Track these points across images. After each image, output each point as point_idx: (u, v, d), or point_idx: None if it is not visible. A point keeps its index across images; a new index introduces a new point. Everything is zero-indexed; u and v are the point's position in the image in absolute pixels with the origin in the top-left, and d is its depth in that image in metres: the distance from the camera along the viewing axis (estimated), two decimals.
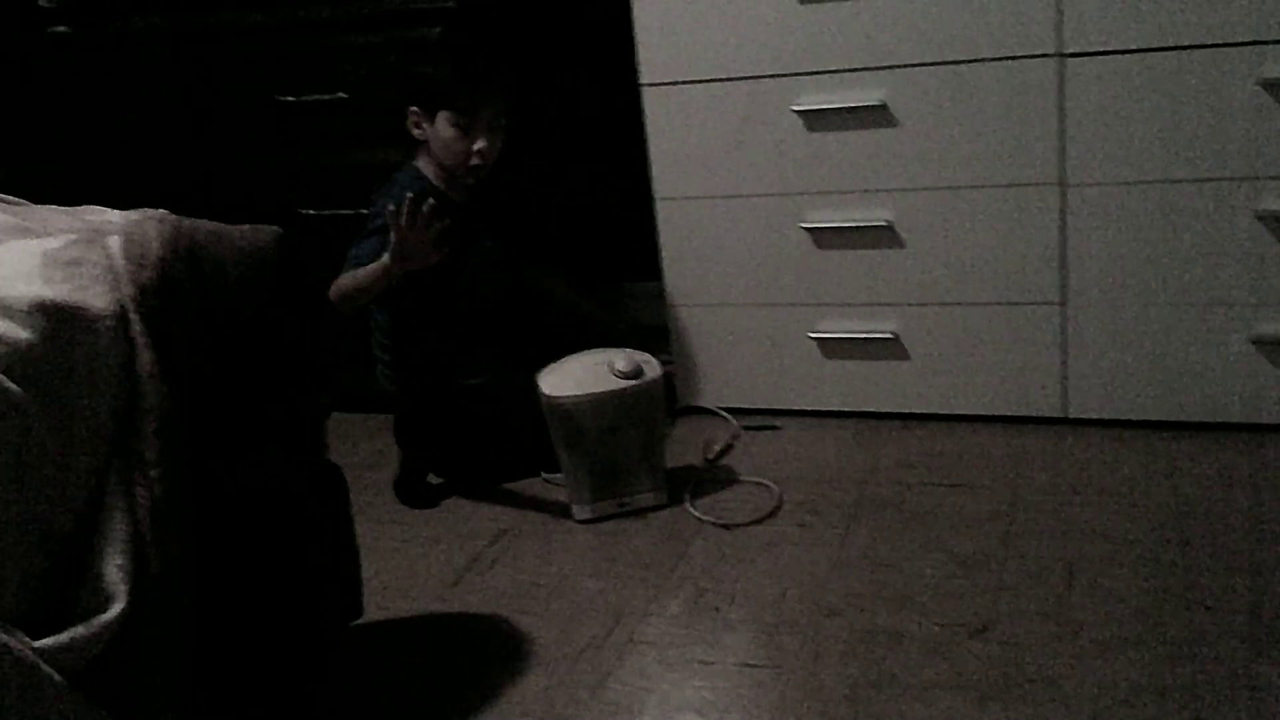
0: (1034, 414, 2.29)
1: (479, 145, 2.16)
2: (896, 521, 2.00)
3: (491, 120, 2.18)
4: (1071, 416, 2.26)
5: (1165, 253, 2.11)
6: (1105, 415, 2.24)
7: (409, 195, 2.00)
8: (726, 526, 2.05)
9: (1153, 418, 2.20)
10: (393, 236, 2.01)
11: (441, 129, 2.17)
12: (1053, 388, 2.25)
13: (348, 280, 2.12)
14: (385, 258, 2.05)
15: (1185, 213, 2.08)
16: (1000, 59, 2.11)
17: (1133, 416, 2.22)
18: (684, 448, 2.35)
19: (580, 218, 2.90)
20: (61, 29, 2.84)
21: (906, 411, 2.38)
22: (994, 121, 2.15)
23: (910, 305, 2.30)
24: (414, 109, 2.20)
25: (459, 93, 2.15)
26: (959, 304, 2.27)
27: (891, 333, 2.32)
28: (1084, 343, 2.21)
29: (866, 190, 2.26)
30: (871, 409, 2.40)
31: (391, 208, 1.99)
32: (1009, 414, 2.30)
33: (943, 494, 2.07)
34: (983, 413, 2.32)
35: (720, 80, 2.30)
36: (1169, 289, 2.13)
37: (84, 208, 1.51)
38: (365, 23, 2.43)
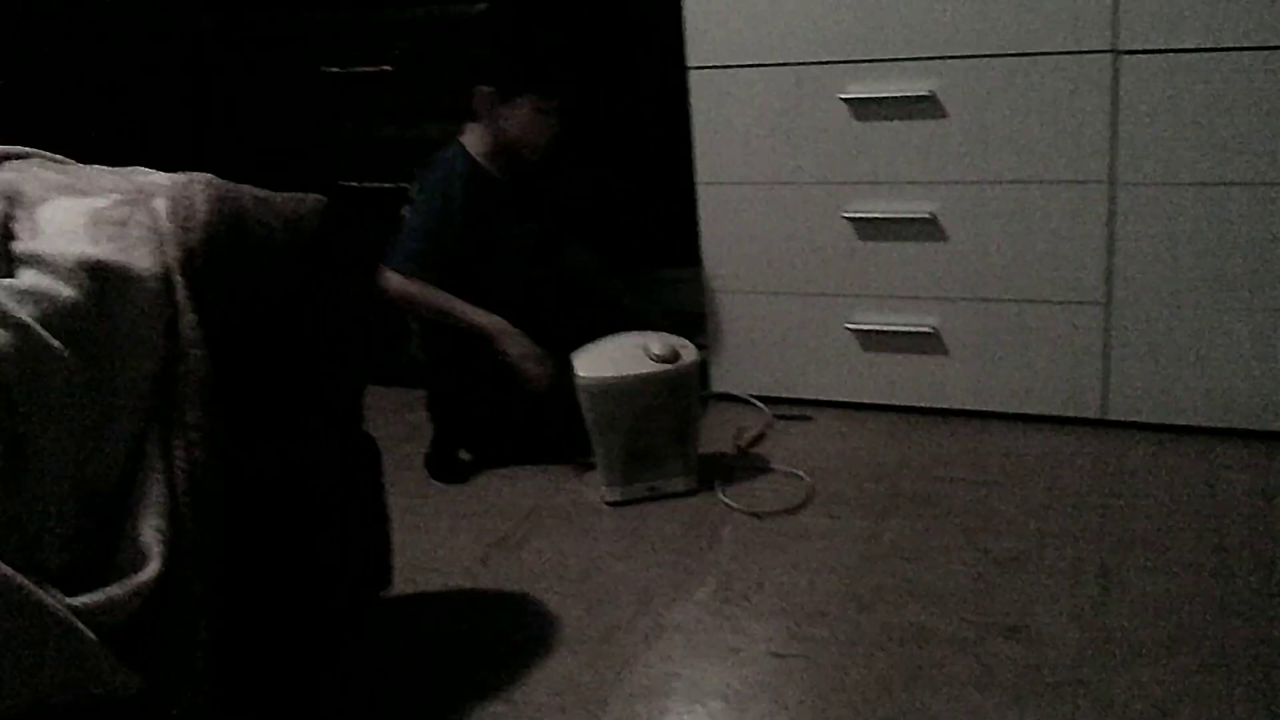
0: (1073, 414, 2.26)
1: (555, 129, 2.21)
2: (930, 517, 1.98)
3: (564, 104, 2.20)
4: (1111, 418, 2.24)
5: (1213, 255, 2.08)
6: (1146, 419, 2.21)
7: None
8: (757, 515, 2.04)
9: (1194, 423, 2.18)
10: (513, 350, 2.15)
11: (522, 113, 2.18)
12: (1093, 388, 2.23)
13: (441, 301, 2.15)
14: (494, 322, 2.16)
15: (1235, 216, 2.05)
16: (1053, 53, 2.08)
17: (1174, 421, 2.19)
18: (716, 434, 2.34)
19: (621, 200, 2.89)
20: None
21: (943, 407, 2.35)
22: (1044, 116, 2.12)
23: (951, 300, 2.28)
24: (487, 89, 2.19)
25: (548, 78, 2.17)
26: (1001, 300, 2.24)
27: (931, 327, 2.30)
28: (1127, 344, 2.18)
29: (911, 181, 2.24)
30: (907, 403, 2.38)
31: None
32: (1048, 413, 2.28)
33: (978, 491, 2.05)
34: (1021, 411, 2.30)
35: (767, 65, 2.28)
36: (1216, 292, 2.09)
37: (131, 169, 1.51)
38: None
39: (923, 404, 2.37)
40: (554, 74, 2.19)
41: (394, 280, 2.18)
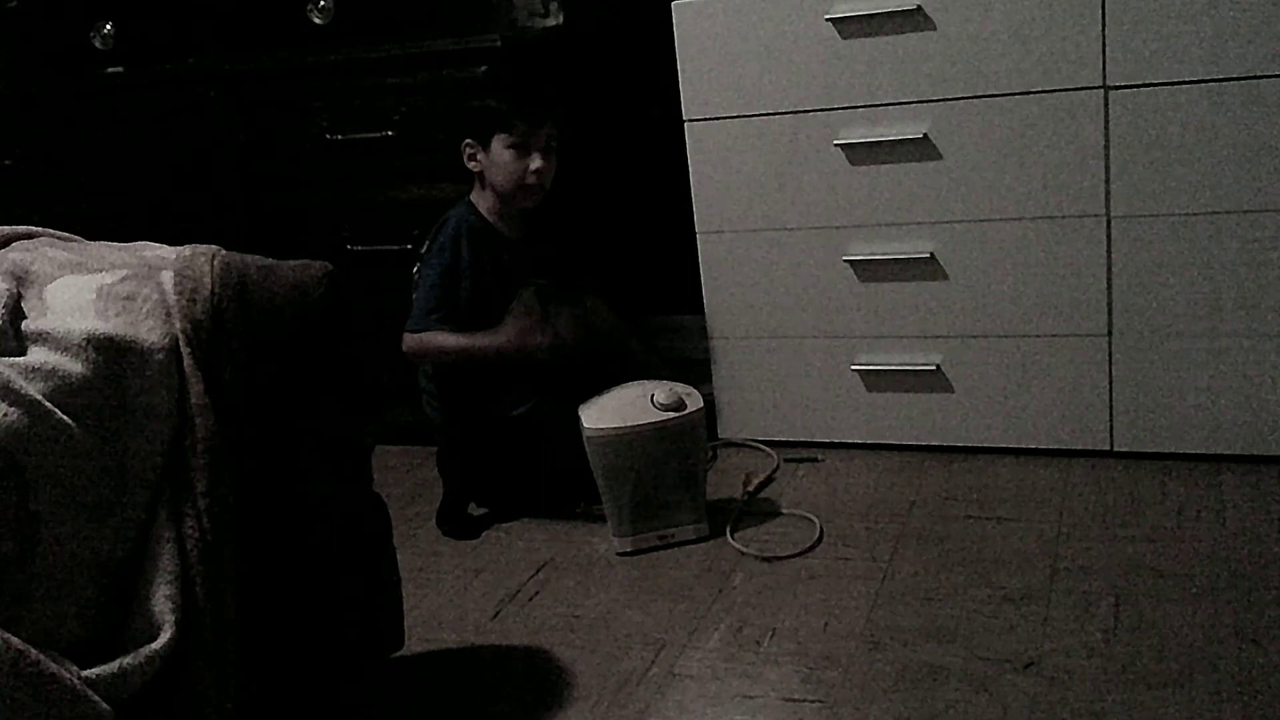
0: (1080, 447, 2.27)
1: (535, 165, 2.20)
2: (941, 555, 1.98)
3: (546, 142, 2.22)
4: (1118, 450, 2.24)
5: (1211, 284, 2.09)
6: (1152, 448, 2.21)
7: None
8: (768, 559, 2.04)
9: (1202, 450, 2.18)
10: (511, 323, 2.15)
11: (497, 153, 2.21)
12: (1099, 420, 2.23)
13: (451, 343, 2.18)
14: (503, 337, 2.17)
15: (1230, 245, 2.06)
16: (1044, 92, 2.11)
17: (1182, 449, 2.19)
18: (725, 480, 2.35)
19: (623, 250, 2.92)
20: (116, 69, 2.91)
21: (950, 444, 2.36)
22: (1037, 153, 2.14)
23: (954, 338, 2.29)
24: (468, 141, 2.24)
25: (513, 114, 2.19)
26: (1003, 336, 2.26)
27: (935, 365, 2.31)
28: (1130, 375, 2.19)
29: (909, 223, 2.26)
30: (915, 442, 2.39)
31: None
32: (1055, 447, 2.29)
33: (988, 527, 2.06)
34: (1028, 446, 2.30)
35: (762, 115, 2.31)
36: (1215, 320, 2.10)
37: (138, 244, 1.54)
38: (412, 63, 2.48)
39: (930, 442, 2.37)
40: (520, 110, 2.21)
41: (410, 340, 2.21)
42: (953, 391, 2.32)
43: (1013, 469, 2.27)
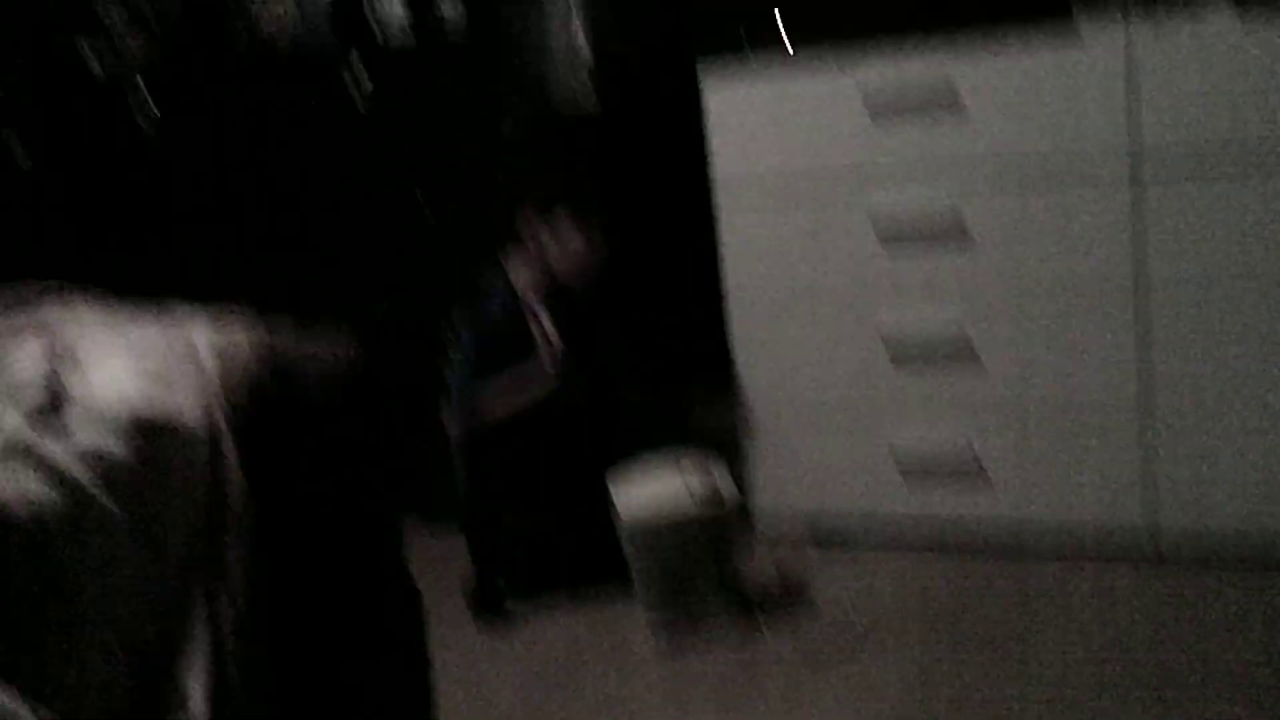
0: (1123, 550, 2.21)
1: (580, 250, 2.23)
2: (983, 657, 1.93)
3: (590, 230, 2.24)
4: (1164, 552, 2.18)
5: (1260, 361, 2.05)
6: (1197, 553, 2.16)
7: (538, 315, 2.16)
8: (803, 655, 1.99)
9: (1247, 554, 2.12)
10: (547, 357, 2.15)
11: (561, 232, 2.20)
12: (1141, 524, 2.18)
13: (499, 406, 2.16)
14: (541, 378, 2.17)
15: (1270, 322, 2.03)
16: (1075, 179, 2.10)
17: (1228, 555, 2.14)
18: (757, 568, 2.30)
19: (656, 322, 2.90)
20: (154, 136, 2.94)
21: (993, 542, 2.31)
22: (1066, 224, 2.12)
23: (990, 417, 2.25)
24: (528, 210, 2.22)
25: (586, 197, 2.19)
26: (1041, 425, 2.22)
27: (975, 458, 2.27)
28: (1172, 476, 2.14)
29: (941, 299, 2.24)
30: (956, 538, 2.33)
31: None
32: (1096, 549, 2.23)
33: (1032, 630, 2.00)
34: (1071, 545, 2.25)
35: (793, 185, 2.30)
36: (1264, 418, 2.06)
37: (174, 310, 1.53)
38: (446, 149, 2.49)
39: (970, 539, 2.32)
40: (592, 194, 2.23)
41: (449, 421, 2.20)
42: (994, 487, 2.27)
43: (1057, 570, 2.20)
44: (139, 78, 2.91)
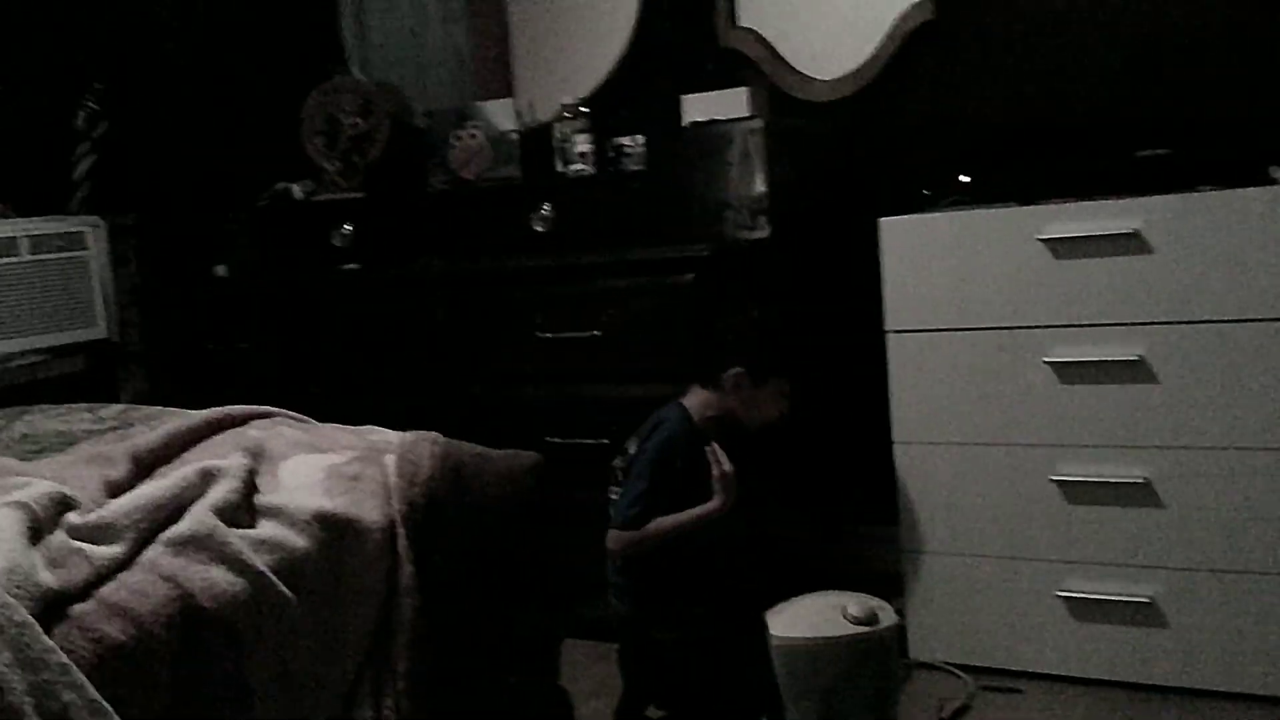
0: None
1: (783, 412, 2.32)
2: None
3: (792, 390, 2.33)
4: None
5: None
6: None
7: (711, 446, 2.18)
8: None
9: None
10: (718, 480, 2.16)
11: (767, 395, 2.29)
12: None
13: (669, 523, 2.22)
14: (712, 503, 2.17)
15: None
16: (1266, 320, 2.04)
17: None
18: (916, 704, 2.24)
19: (821, 458, 2.91)
20: (352, 266, 3.15)
21: (1164, 684, 2.20)
22: (1262, 382, 2.06)
23: (1171, 569, 2.17)
24: (742, 371, 2.30)
25: (787, 370, 2.30)
26: (1225, 571, 2.12)
27: (1148, 597, 2.18)
28: None
29: (1123, 446, 2.19)
30: (1125, 678, 2.23)
31: (711, 450, 2.16)
32: (1274, 695, 2.10)
33: None
34: (1249, 690, 2.13)
35: (968, 330, 2.31)
36: None
37: (365, 428, 1.63)
38: (623, 269, 2.59)
39: (1141, 679, 2.22)
40: (788, 359, 2.30)
41: (616, 537, 2.24)
42: (1168, 627, 2.18)
43: (1233, 713, 2.09)
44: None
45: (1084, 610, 2.25)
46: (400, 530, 1.40)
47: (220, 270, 3.29)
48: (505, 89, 3.29)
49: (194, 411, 1.70)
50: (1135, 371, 2.16)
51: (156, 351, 3.25)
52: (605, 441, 2.56)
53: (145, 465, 1.50)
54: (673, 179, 2.74)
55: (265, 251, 3.26)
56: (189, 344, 3.12)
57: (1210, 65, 2.26)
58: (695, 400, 2.34)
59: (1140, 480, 2.17)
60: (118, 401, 2.15)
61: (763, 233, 2.65)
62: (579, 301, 2.64)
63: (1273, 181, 2.14)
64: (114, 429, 1.76)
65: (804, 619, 2.08)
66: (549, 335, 2.66)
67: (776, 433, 2.61)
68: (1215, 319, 2.09)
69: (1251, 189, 2.08)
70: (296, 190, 3.32)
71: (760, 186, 2.64)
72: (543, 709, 1.66)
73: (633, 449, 2.33)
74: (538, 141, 3.10)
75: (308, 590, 1.30)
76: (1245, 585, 2.11)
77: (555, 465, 2.40)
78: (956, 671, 2.37)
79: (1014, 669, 2.33)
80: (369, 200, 3.25)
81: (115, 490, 1.39)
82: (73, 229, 3.24)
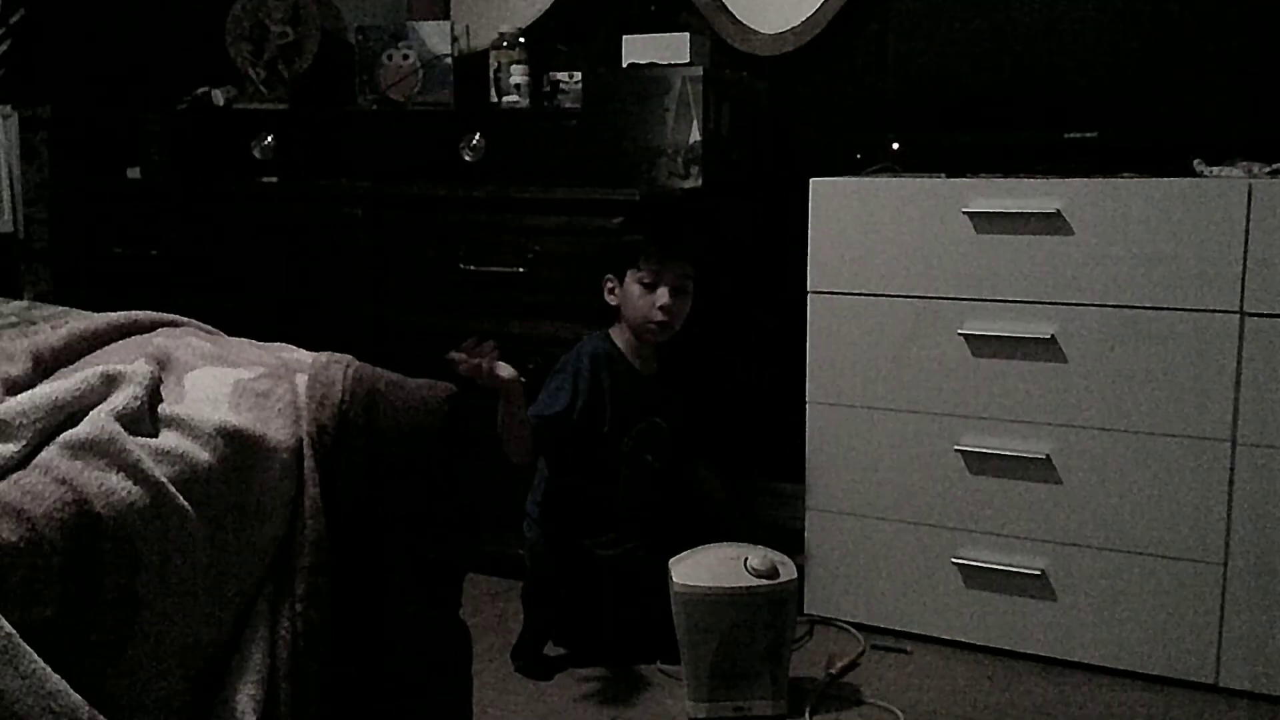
0: (1183, 677, 2.16)
1: (662, 301, 2.26)
2: None
3: (676, 281, 2.28)
4: (1224, 685, 2.13)
5: None
6: (1263, 689, 2.10)
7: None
8: None
9: None
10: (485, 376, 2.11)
11: (629, 288, 2.28)
12: (1206, 651, 2.14)
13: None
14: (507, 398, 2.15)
15: None
16: (1179, 309, 2.10)
17: None
18: (808, 658, 2.29)
19: (732, 409, 2.93)
20: (271, 179, 3.06)
21: (1047, 655, 2.27)
22: (1168, 370, 2.12)
23: (1062, 544, 2.23)
24: (609, 276, 2.33)
25: (648, 249, 2.27)
26: (1114, 550, 2.19)
27: (1040, 569, 2.25)
28: (1243, 607, 2.10)
29: (1028, 421, 2.23)
30: (1011, 646, 2.30)
31: (452, 355, 2.09)
32: (1156, 673, 2.18)
33: None
34: (1128, 668, 2.21)
35: (888, 296, 2.33)
36: None
37: (277, 344, 1.59)
38: (553, 206, 2.56)
39: (1026, 649, 2.29)
40: (654, 247, 2.27)
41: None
42: (1055, 600, 2.25)
43: (1111, 690, 2.17)
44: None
45: (977, 578, 2.31)
46: (308, 452, 1.37)
47: (134, 172, 3.18)
48: (442, 10, 3.22)
49: (100, 314, 1.64)
50: (1046, 349, 2.20)
51: (63, 251, 3.13)
52: (523, 380, 2.54)
53: (46, 364, 1.44)
54: (608, 120, 2.71)
55: (181, 157, 3.15)
56: (97, 246, 3.01)
57: (1143, 55, 2.29)
58: (616, 329, 2.36)
59: (1041, 456, 2.22)
60: (21, 299, 2.07)
61: (695, 182, 2.64)
62: (505, 236, 2.60)
63: (1195, 174, 2.19)
64: (15, 325, 1.69)
65: (706, 568, 2.11)
66: (472, 268, 2.63)
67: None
68: (1127, 304, 2.14)
69: (1174, 179, 2.12)
70: (218, 96, 3.22)
71: (696, 135, 2.62)
72: (441, 640, 1.65)
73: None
74: (472, 69, 3.05)
75: (207, 505, 1.27)
76: (1131, 564, 2.18)
77: (470, 398, 2.40)
78: (850, 628, 2.42)
79: (905, 630, 2.39)
80: (293, 113, 3.16)
81: (13, 388, 1.34)
82: None
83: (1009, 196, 2.21)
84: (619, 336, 2.35)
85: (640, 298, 2.28)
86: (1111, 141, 2.32)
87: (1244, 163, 2.18)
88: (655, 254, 2.27)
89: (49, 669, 1.07)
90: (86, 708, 1.09)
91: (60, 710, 1.07)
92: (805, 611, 2.45)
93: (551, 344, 2.44)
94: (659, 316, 2.27)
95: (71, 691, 1.08)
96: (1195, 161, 2.22)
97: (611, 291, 2.34)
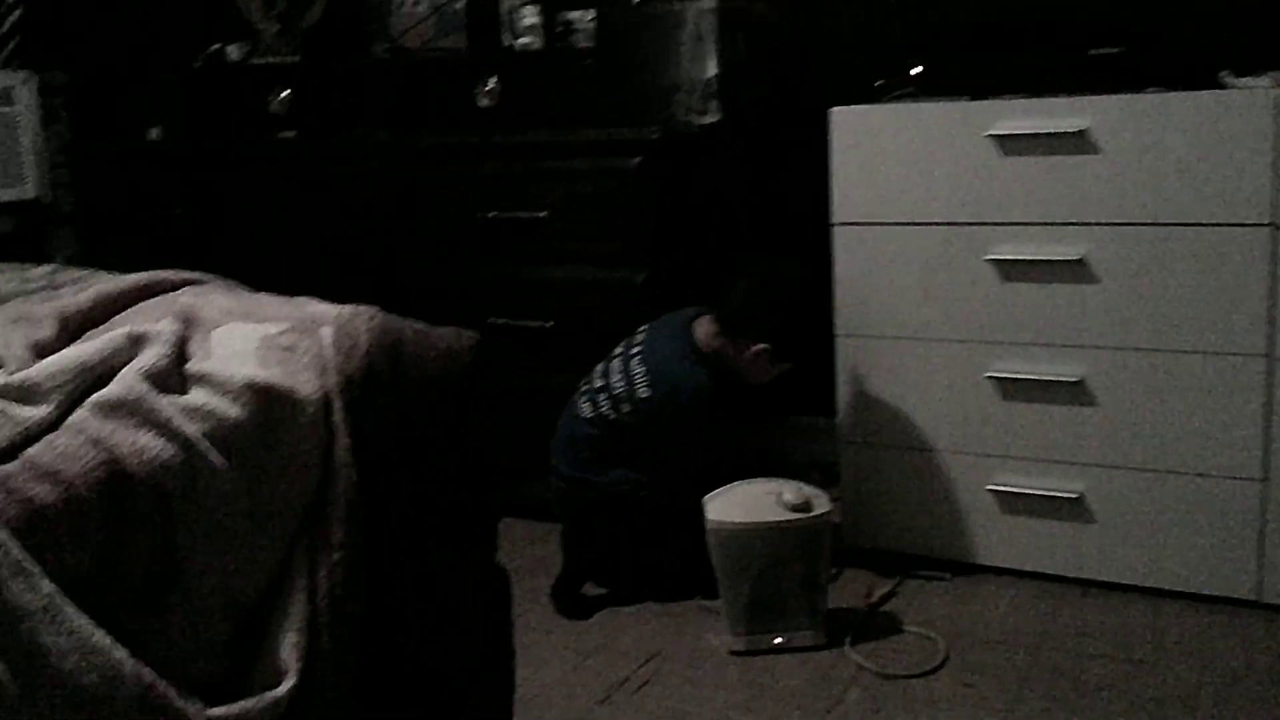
0: (1224, 594, 2.15)
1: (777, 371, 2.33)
2: (1071, 693, 1.89)
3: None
4: (1266, 600, 2.12)
5: None
6: None
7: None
8: (886, 677, 1.98)
9: None
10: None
11: (759, 356, 2.29)
12: (1248, 568, 2.12)
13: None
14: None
15: None
16: (1209, 224, 2.06)
17: None
18: (847, 589, 2.30)
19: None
20: (288, 133, 3.06)
21: (1087, 578, 2.27)
22: (1200, 287, 2.08)
23: (1099, 466, 2.22)
24: (715, 329, 2.32)
25: (783, 346, 2.30)
26: (1152, 470, 2.17)
27: (1077, 493, 2.23)
28: None
29: (1059, 345, 2.21)
30: (1049, 570, 2.30)
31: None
32: (1197, 591, 2.18)
33: (1122, 669, 1.96)
34: (1169, 587, 2.20)
35: (913, 225, 2.30)
36: None
37: (301, 298, 1.59)
38: (571, 150, 2.54)
39: (1065, 573, 2.28)
40: (780, 330, 2.30)
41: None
42: (1094, 522, 2.24)
43: (1151, 610, 2.17)
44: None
45: (1014, 504, 2.30)
46: (337, 404, 1.38)
47: (154, 133, 3.18)
48: None
49: (124, 275, 1.65)
50: (1075, 271, 2.17)
51: (87, 214, 3.15)
52: (549, 325, 2.55)
53: (73, 327, 1.45)
54: (623, 58, 2.69)
55: (199, 115, 3.15)
56: (120, 207, 3.02)
57: None
58: (703, 331, 2.32)
59: (1075, 379, 2.20)
60: (48, 263, 2.09)
61: (714, 117, 2.61)
62: (524, 181, 2.59)
63: (1222, 86, 2.14)
64: (42, 289, 1.70)
65: (740, 504, 2.11)
66: (493, 215, 2.62)
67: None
68: (1156, 221, 2.10)
69: (1201, 93, 2.08)
70: (232, 52, 3.20)
71: (712, 70, 2.59)
72: (479, 584, 1.67)
73: (628, 364, 2.30)
74: (484, 12, 3.01)
75: (239, 460, 1.28)
76: (1168, 484, 2.17)
77: (497, 346, 2.41)
78: (888, 558, 2.42)
79: (944, 557, 2.39)
80: (306, 65, 3.15)
81: (42, 351, 1.35)
82: (1, 84, 3.10)
83: (1034, 117, 2.17)
84: (703, 338, 2.32)
85: (766, 369, 2.31)
86: (1137, 57, 2.27)
87: (1273, 73, 2.12)
88: (782, 338, 2.31)
89: (93, 625, 1.09)
90: (131, 661, 1.11)
91: (105, 665, 1.09)
92: (845, 544, 2.45)
93: (573, 289, 2.43)
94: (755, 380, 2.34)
95: (116, 646, 1.10)
96: (1222, 74, 2.17)
97: (734, 345, 2.31)
